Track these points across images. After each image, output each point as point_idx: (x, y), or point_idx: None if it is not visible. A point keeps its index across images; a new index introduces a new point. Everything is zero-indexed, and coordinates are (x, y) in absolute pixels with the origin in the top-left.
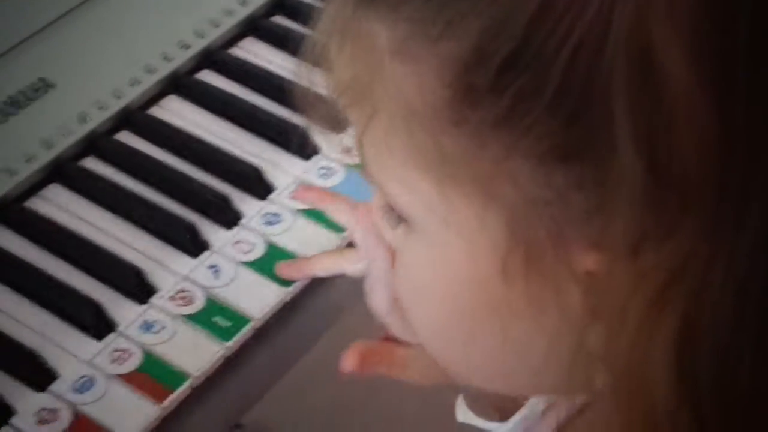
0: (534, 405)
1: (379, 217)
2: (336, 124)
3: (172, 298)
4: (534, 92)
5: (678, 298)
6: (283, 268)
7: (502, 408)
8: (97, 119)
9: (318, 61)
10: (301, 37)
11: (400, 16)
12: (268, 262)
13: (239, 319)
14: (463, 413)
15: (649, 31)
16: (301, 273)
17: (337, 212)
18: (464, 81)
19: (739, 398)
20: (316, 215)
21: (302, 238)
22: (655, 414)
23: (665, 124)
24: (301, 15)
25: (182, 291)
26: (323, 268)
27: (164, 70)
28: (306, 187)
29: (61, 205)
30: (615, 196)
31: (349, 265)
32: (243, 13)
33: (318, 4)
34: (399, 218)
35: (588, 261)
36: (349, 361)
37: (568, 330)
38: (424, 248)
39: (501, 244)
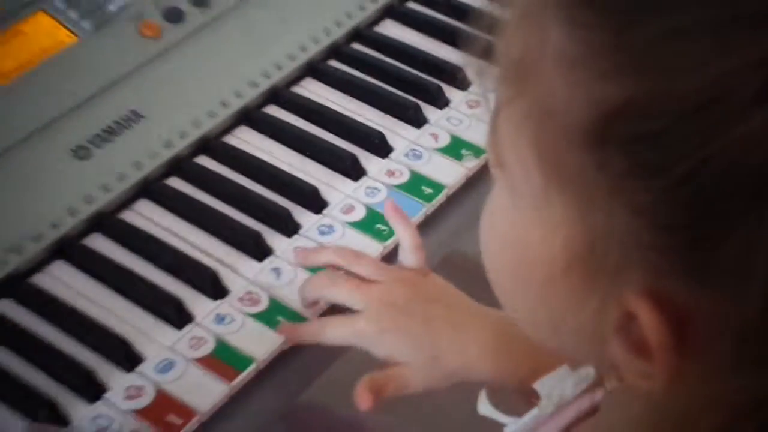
0: (545, 407)
1: (491, 163)
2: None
3: (240, 299)
4: (658, 171)
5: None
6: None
7: (518, 405)
8: (179, 145)
9: (496, 26)
10: (354, 79)
11: (581, 32)
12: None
13: (296, 316)
14: (484, 406)
15: None
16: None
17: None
18: (605, 122)
19: None
20: (362, 226)
21: (351, 246)
22: None
23: None
24: (355, 61)
25: (249, 292)
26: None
27: (236, 104)
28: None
29: (152, 220)
30: (713, 298)
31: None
32: (303, 57)
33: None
34: (500, 171)
35: (636, 303)
36: (363, 400)
37: (593, 330)
38: (511, 207)
39: (574, 249)
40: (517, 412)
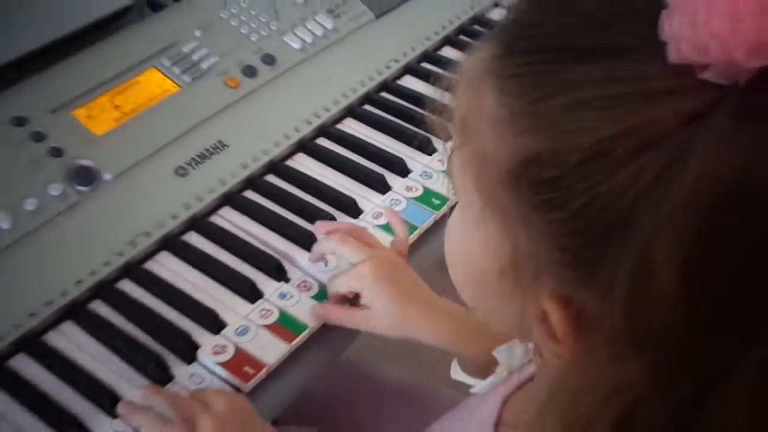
0: (500, 373)
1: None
2: (446, 134)
3: (299, 280)
4: (557, 205)
5: (620, 404)
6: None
7: (480, 371)
8: (253, 167)
9: (450, 89)
10: (384, 120)
11: (506, 99)
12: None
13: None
14: (455, 372)
15: (658, 246)
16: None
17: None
18: (522, 168)
19: None
20: (386, 228)
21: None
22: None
23: (650, 298)
24: (384, 107)
25: (305, 280)
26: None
27: (295, 137)
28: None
29: (233, 222)
30: (593, 300)
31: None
32: (344, 103)
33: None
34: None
35: (547, 304)
36: (316, 313)
37: (520, 321)
38: (463, 224)
39: (503, 261)
40: (480, 377)
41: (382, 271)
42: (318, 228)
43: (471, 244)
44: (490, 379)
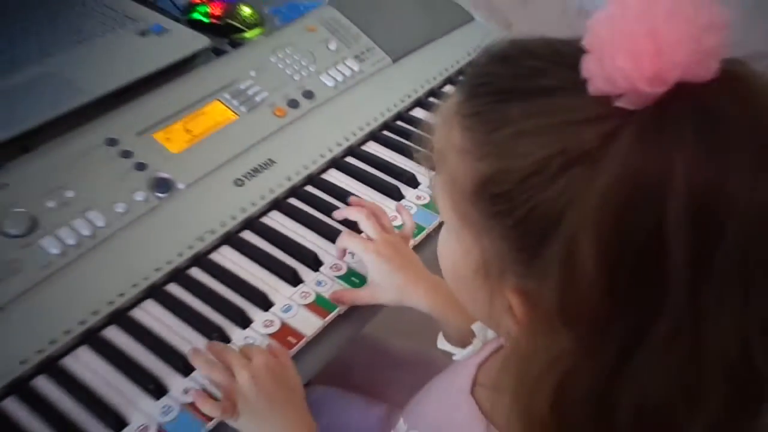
0: (476, 344)
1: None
2: (430, 165)
3: (330, 267)
4: (505, 214)
5: (560, 369)
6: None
7: (461, 342)
8: (295, 180)
9: (430, 132)
10: (400, 143)
11: (468, 133)
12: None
13: (363, 279)
14: (441, 343)
15: (579, 245)
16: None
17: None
18: (481, 186)
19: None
20: (400, 227)
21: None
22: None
23: (575, 282)
24: (387, 143)
25: (336, 264)
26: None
27: (329, 156)
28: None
29: (279, 222)
30: (539, 288)
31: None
32: (367, 129)
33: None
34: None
35: (510, 297)
36: (332, 298)
37: (491, 310)
38: (448, 238)
39: (475, 262)
40: (460, 347)
41: (384, 251)
42: (352, 202)
43: (453, 252)
44: (469, 348)
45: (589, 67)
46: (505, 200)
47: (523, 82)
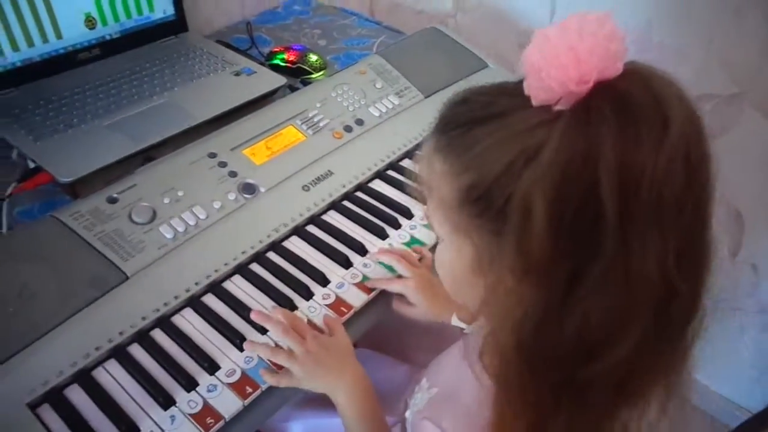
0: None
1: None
2: (422, 198)
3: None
4: (487, 209)
5: (519, 312)
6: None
7: (468, 320)
8: (349, 187)
9: (416, 165)
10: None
11: (447, 159)
12: (413, 244)
13: (392, 270)
14: (454, 320)
15: (533, 198)
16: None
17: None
18: (465, 194)
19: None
20: (414, 242)
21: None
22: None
23: (528, 239)
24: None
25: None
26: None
27: (374, 168)
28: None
29: (336, 219)
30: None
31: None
32: (404, 149)
33: None
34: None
35: (508, 275)
36: (396, 307)
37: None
38: (444, 250)
39: (471, 258)
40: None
41: (421, 285)
42: (383, 251)
43: (450, 259)
44: (475, 323)
45: (530, 84)
46: (486, 198)
47: (479, 112)
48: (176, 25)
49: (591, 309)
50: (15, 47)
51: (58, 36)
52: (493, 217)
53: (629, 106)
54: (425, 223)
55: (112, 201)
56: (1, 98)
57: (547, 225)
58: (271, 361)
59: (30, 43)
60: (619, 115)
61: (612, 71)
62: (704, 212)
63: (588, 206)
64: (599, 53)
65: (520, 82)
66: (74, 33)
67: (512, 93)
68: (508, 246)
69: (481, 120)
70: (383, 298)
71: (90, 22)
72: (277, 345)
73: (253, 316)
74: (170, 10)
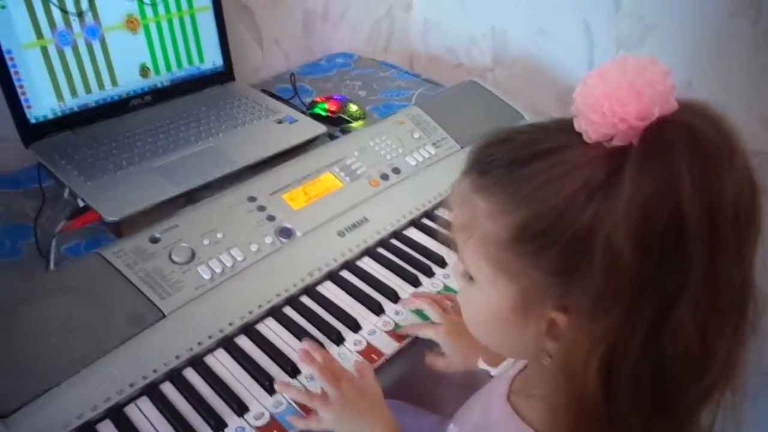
0: (508, 363)
1: (458, 278)
2: (453, 243)
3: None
4: (547, 246)
5: (603, 346)
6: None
7: (496, 364)
8: (383, 233)
9: (449, 209)
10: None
11: (492, 198)
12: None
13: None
14: (480, 364)
15: (617, 236)
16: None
17: (429, 310)
18: (519, 232)
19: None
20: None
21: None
22: (581, 394)
23: (615, 277)
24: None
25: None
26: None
27: (409, 217)
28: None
29: (371, 266)
30: (579, 296)
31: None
32: (439, 198)
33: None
34: (467, 277)
35: (554, 314)
36: (429, 361)
37: (533, 338)
38: (478, 293)
39: (513, 299)
40: (494, 366)
41: (453, 332)
42: (415, 296)
43: (486, 300)
44: (502, 365)
45: (587, 120)
46: (545, 235)
47: (523, 151)
48: (224, 74)
49: (687, 328)
50: (74, 93)
51: (114, 83)
52: (554, 254)
53: (697, 136)
54: None
55: (154, 240)
56: (59, 140)
57: (635, 261)
58: (299, 405)
59: (88, 90)
60: (690, 146)
61: (670, 106)
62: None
63: (673, 236)
64: (658, 88)
65: (559, 121)
66: (129, 81)
67: (557, 130)
68: (587, 285)
69: (531, 157)
70: (414, 347)
71: (144, 72)
72: (307, 389)
73: (300, 356)
74: (219, 61)
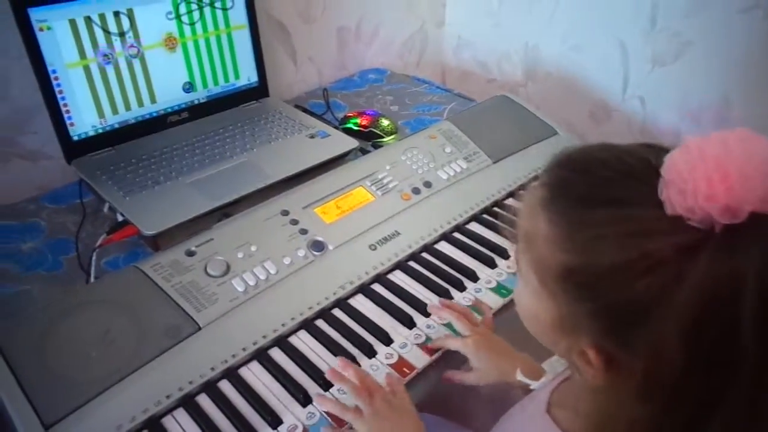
0: (549, 376)
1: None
2: (515, 238)
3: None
4: (589, 300)
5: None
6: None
7: (536, 377)
8: (415, 248)
9: (516, 213)
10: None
11: (553, 227)
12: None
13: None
14: (519, 376)
15: (667, 334)
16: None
17: (458, 323)
18: (566, 273)
19: None
20: (495, 290)
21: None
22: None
23: (660, 366)
24: (485, 222)
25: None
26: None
27: (441, 230)
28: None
29: (400, 278)
30: (617, 353)
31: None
32: (470, 213)
33: None
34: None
35: (586, 348)
36: (450, 378)
37: (568, 353)
38: (526, 293)
39: (552, 318)
40: (534, 379)
41: (483, 344)
42: (443, 304)
43: (532, 304)
44: (543, 379)
45: (669, 194)
46: (588, 290)
47: (599, 190)
48: (259, 90)
49: None
50: (115, 111)
51: (153, 101)
52: (597, 308)
53: None
54: (491, 287)
55: (190, 254)
56: (100, 157)
57: (683, 357)
58: (333, 417)
59: (128, 107)
60: (766, 257)
61: (766, 205)
62: None
63: (726, 341)
64: (757, 191)
65: (651, 167)
66: (167, 98)
67: (640, 177)
68: (627, 361)
69: (600, 201)
70: (445, 361)
71: (188, 88)
72: (342, 403)
73: (328, 376)
74: (254, 78)
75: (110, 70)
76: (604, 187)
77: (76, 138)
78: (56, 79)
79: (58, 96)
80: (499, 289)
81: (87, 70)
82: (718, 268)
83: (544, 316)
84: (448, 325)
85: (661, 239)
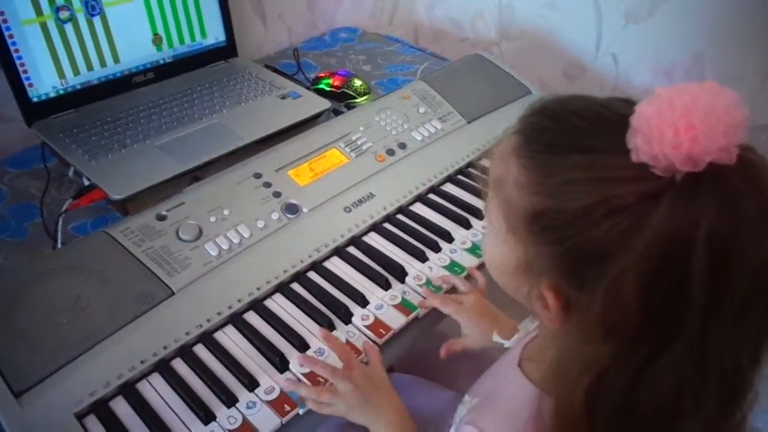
0: (521, 334)
1: (485, 217)
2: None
3: (413, 277)
4: (554, 242)
5: (595, 371)
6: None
7: (510, 336)
8: (390, 209)
9: (489, 158)
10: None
11: (525, 171)
12: (453, 268)
13: (440, 288)
14: (495, 337)
15: (626, 275)
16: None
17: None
18: (534, 217)
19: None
20: (471, 251)
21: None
22: (568, 410)
23: (618, 307)
24: (460, 184)
25: (417, 275)
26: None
27: (415, 192)
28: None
29: (377, 241)
30: (576, 296)
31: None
32: (446, 173)
33: None
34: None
35: (545, 291)
36: (444, 351)
37: (529, 298)
38: (493, 239)
39: (517, 261)
40: (507, 338)
41: (477, 310)
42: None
43: (499, 250)
44: (515, 337)
45: (635, 142)
46: (555, 232)
47: (571, 138)
48: (227, 50)
49: (664, 383)
50: (76, 71)
51: (116, 60)
52: (561, 250)
53: (736, 197)
54: (466, 247)
55: (161, 218)
56: (62, 119)
57: (639, 301)
58: (308, 376)
59: (89, 67)
60: (722, 204)
61: (727, 159)
62: None
63: (679, 286)
64: (720, 141)
65: (623, 117)
66: (131, 57)
67: (612, 127)
68: (586, 301)
69: (571, 148)
70: (421, 321)
71: (157, 41)
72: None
73: (300, 360)
74: (222, 37)
75: (69, 28)
76: (576, 135)
77: (35, 99)
78: (11, 37)
79: (14, 55)
80: (474, 250)
81: (44, 26)
82: (676, 215)
83: (508, 261)
84: (428, 284)
85: (625, 185)
